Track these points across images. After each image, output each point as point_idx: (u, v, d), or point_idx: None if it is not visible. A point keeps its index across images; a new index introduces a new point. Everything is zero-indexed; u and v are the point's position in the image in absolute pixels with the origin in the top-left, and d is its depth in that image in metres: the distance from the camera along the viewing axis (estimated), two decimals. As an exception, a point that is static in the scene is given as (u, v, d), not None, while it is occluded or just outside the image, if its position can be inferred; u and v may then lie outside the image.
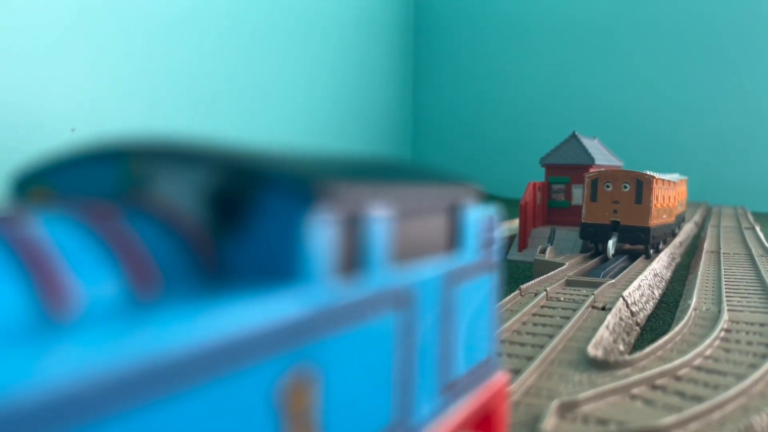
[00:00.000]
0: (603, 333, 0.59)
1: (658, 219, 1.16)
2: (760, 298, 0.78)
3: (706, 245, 1.33)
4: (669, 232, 1.34)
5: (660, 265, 1.05)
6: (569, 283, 0.85)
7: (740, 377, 0.49)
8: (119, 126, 1.92)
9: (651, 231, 1.09)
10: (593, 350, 0.53)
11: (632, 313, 0.71)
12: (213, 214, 0.19)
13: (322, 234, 0.19)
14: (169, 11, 2.09)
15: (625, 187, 1.10)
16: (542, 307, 0.71)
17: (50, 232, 0.16)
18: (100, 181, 0.21)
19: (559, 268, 0.94)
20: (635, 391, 0.46)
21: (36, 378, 0.11)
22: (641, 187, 1.09)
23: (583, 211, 1.13)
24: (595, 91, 3.31)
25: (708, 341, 0.57)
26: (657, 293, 0.90)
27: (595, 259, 1.10)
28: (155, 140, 0.20)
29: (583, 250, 1.19)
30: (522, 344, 0.56)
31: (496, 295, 0.32)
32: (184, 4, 2.14)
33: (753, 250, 1.24)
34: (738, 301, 0.76)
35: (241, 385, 0.16)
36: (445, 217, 0.27)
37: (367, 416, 0.22)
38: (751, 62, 2.98)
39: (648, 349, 0.54)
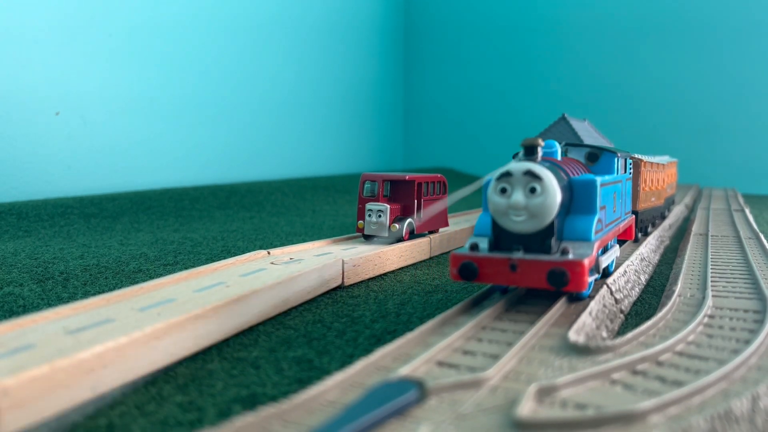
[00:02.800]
0: (585, 319, 0.59)
1: (646, 202, 1.15)
2: (745, 283, 0.78)
3: (695, 228, 1.33)
4: (658, 215, 1.33)
5: (647, 249, 1.04)
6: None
7: (721, 362, 0.48)
8: (103, 109, 1.89)
9: (639, 215, 1.09)
10: (574, 336, 0.53)
11: (616, 301, 0.71)
12: (588, 160, 0.80)
13: (619, 163, 0.83)
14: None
15: (614, 171, 1.09)
16: (525, 294, 0.70)
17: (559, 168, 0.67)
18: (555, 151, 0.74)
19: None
20: (615, 376, 0.46)
21: (595, 179, 0.65)
22: (629, 170, 1.08)
23: (571, 194, 1.12)
24: (587, 73, 3.29)
25: (691, 327, 0.57)
26: (643, 278, 0.89)
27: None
28: (574, 142, 0.85)
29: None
30: (503, 330, 0.56)
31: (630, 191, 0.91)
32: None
33: (741, 233, 1.24)
34: (723, 287, 0.75)
35: (617, 186, 0.78)
36: (624, 161, 0.86)
37: (622, 208, 0.81)
38: (742, 44, 2.97)
39: (630, 335, 0.54)
